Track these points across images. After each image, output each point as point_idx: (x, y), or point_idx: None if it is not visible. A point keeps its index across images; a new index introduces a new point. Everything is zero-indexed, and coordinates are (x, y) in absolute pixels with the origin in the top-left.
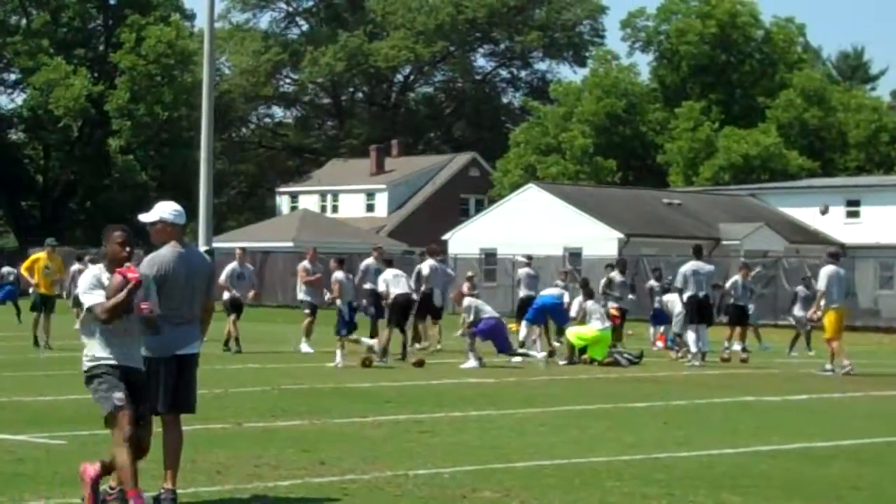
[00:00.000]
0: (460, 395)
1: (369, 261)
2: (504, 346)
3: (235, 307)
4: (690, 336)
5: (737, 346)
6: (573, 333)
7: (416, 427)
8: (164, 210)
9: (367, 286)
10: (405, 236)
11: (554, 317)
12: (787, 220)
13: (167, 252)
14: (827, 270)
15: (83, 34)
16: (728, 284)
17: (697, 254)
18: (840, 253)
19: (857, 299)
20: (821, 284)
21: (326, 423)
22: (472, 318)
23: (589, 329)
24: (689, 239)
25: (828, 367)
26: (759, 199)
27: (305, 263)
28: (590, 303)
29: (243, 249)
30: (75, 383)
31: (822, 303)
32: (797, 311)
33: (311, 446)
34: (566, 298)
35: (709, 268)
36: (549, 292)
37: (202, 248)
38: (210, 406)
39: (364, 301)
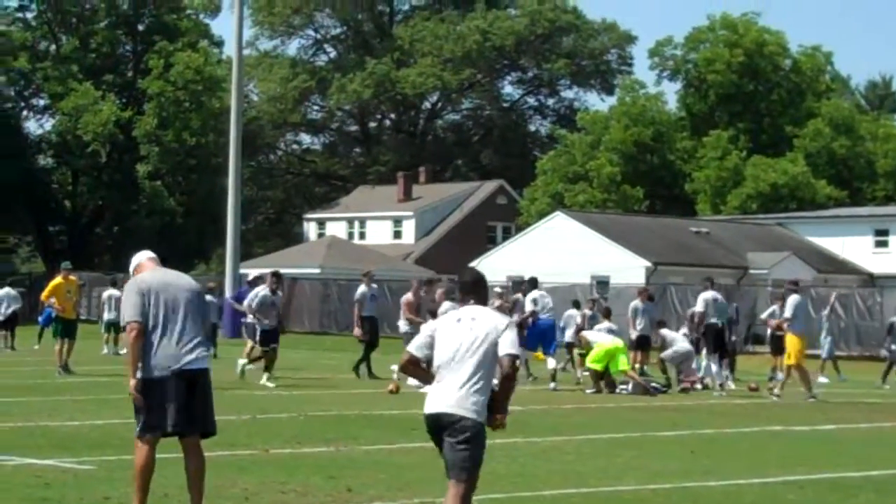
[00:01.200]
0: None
1: (363, 289)
2: None
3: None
4: (713, 367)
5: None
6: (589, 361)
7: None
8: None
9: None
10: (432, 263)
11: (544, 342)
12: (815, 249)
13: (146, 273)
14: (793, 299)
15: (112, 60)
16: (766, 314)
17: (712, 284)
18: (799, 282)
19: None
20: (788, 312)
21: (353, 450)
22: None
23: (598, 346)
24: (717, 268)
25: (777, 391)
26: (786, 228)
27: (409, 296)
28: (589, 331)
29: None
30: (103, 408)
31: (787, 327)
32: (891, 343)
33: (338, 473)
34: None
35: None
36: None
37: (228, 273)
38: (238, 433)
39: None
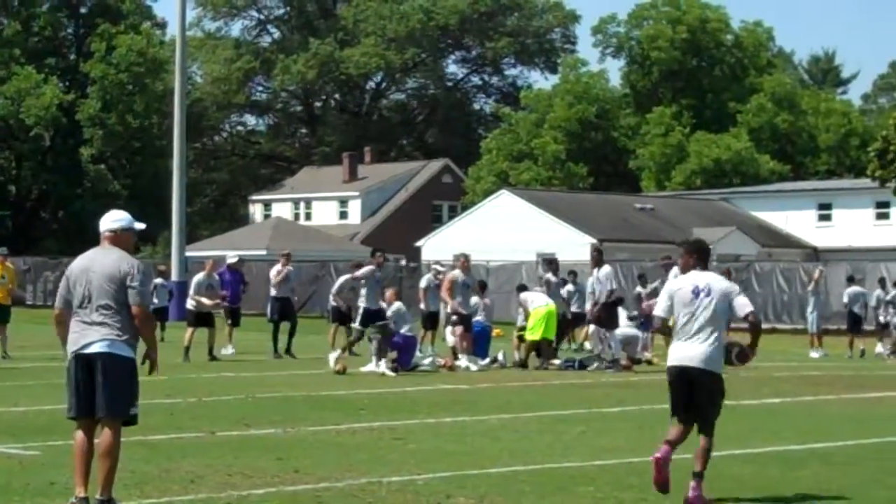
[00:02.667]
0: (434, 402)
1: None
2: (407, 361)
3: (201, 319)
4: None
5: None
6: (527, 333)
7: (391, 434)
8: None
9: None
10: (379, 243)
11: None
12: (759, 223)
13: (78, 258)
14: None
15: (54, 43)
16: None
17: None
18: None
19: (829, 302)
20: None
21: (300, 432)
22: (393, 319)
23: (535, 311)
24: (662, 244)
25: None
26: (730, 204)
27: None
28: (524, 294)
29: (214, 260)
30: (48, 393)
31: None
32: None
33: (285, 454)
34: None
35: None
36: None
37: (174, 256)
38: (183, 415)
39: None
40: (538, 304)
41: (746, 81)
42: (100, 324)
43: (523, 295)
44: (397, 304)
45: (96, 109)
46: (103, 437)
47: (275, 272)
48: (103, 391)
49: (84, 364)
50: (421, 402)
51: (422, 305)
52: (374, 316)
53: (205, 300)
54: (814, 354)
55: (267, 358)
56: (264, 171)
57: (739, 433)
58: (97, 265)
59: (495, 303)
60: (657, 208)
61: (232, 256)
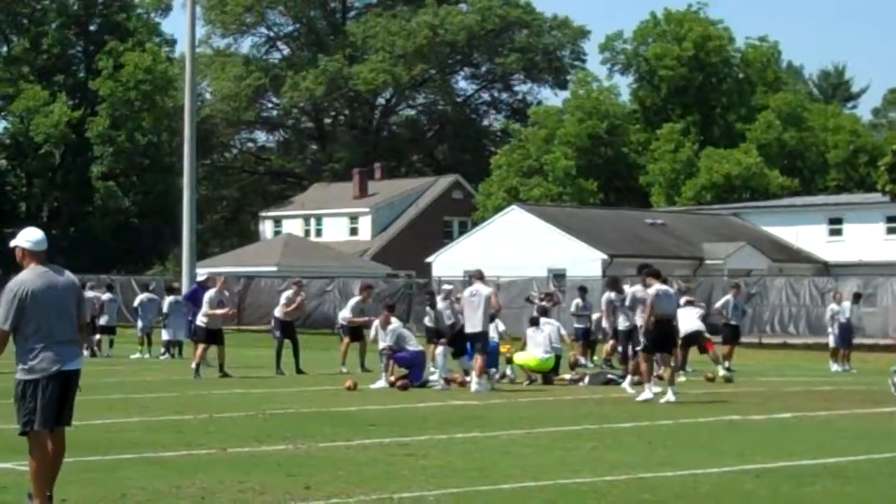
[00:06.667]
0: (445, 418)
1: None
2: (418, 377)
3: (211, 335)
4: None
5: (724, 366)
6: (519, 360)
7: (402, 450)
8: (22, 238)
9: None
10: (389, 259)
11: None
12: (770, 238)
13: (27, 274)
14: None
15: (63, 60)
16: (719, 304)
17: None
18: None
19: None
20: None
21: (311, 448)
22: (390, 342)
23: (529, 356)
24: (673, 259)
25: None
26: (741, 219)
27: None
28: (530, 330)
29: (223, 277)
30: None
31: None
32: None
33: (296, 471)
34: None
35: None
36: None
37: (185, 273)
38: (195, 431)
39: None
40: (536, 353)
41: (754, 98)
42: None
43: (529, 331)
44: (394, 324)
45: (105, 127)
46: (61, 444)
47: (285, 299)
48: (71, 403)
49: (62, 381)
50: (432, 418)
51: (427, 321)
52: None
53: (218, 312)
54: (835, 368)
55: (271, 374)
56: (274, 187)
57: (749, 448)
58: (58, 283)
59: (505, 319)
60: (668, 223)
61: (201, 275)
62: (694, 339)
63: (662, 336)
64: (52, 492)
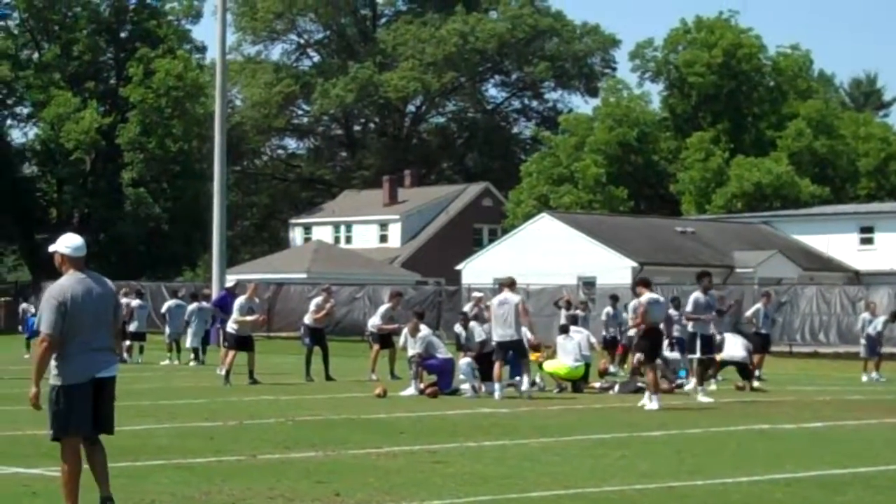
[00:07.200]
0: (475, 426)
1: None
2: (447, 385)
3: (241, 342)
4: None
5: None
6: (549, 367)
7: (431, 458)
8: (62, 244)
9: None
10: (418, 266)
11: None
12: (801, 247)
13: (66, 280)
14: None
15: (94, 67)
16: (750, 313)
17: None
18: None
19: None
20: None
21: (341, 455)
22: (420, 349)
23: (559, 364)
24: (704, 267)
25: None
26: (771, 227)
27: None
28: (560, 338)
29: (255, 284)
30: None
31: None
32: None
33: (326, 478)
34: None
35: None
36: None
37: (215, 279)
38: (224, 438)
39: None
40: (566, 361)
41: (785, 106)
42: None
43: (560, 339)
44: (424, 332)
45: (136, 133)
46: (102, 450)
47: (315, 306)
48: (110, 410)
49: (97, 387)
50: (461, 425)
51: (457, 328)
52: None
53: (248, 318)
54: (866, 378)
55: (301, 381)
56: (304, 194)
57: (779, 457)
58: (97, 290)
59: (534, 326)
60: (698, 232)
61: (230, 281)
62: (737, 365)
63: (655, 344)
64: (110, 493)
